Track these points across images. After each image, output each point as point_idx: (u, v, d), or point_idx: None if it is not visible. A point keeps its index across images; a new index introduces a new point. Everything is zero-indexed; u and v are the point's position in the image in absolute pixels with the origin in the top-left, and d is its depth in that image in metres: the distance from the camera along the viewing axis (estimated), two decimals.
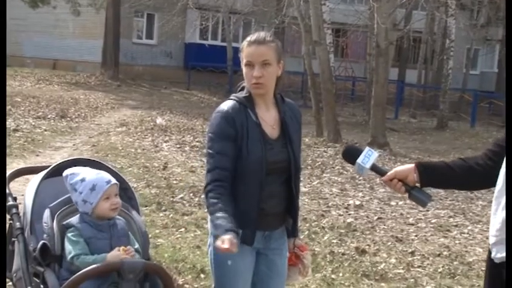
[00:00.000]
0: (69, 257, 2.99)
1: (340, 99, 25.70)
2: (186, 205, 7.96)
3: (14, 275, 3.20)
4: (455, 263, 6.49)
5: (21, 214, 3.28)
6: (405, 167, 3.01)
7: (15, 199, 3.35)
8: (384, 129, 15.55)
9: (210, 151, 3.13)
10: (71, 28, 30.61)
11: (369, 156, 3.02)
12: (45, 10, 29.34)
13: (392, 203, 9.00)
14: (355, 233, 7.33)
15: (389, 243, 7.03)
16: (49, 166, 3.41)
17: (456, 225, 8.08)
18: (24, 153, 10.73)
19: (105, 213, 3.10)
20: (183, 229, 6.84)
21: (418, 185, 2.98)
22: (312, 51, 17.86)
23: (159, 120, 15.92)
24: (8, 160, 9.98)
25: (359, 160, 3.01)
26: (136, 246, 3.14)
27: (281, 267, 3.36)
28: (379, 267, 6.11)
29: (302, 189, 9.53)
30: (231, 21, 28.18)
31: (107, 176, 3.17)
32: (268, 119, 3.25)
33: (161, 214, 7.44)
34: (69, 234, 3.03)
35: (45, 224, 3.10)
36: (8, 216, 3.39)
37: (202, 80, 28.72)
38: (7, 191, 3.39)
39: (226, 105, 3.18)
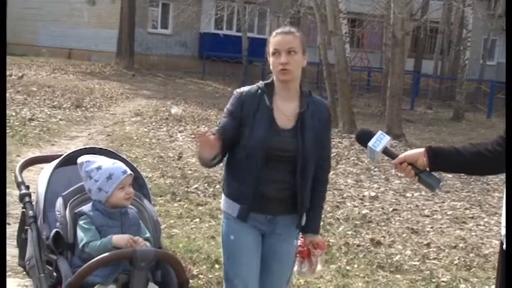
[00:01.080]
0: (80, 244, 3.02)
1: (356, 89, 25.62)
2: (200, 195, 7.97)
3: (28, 262, 3.22)
4: (471, 255, 6.46)
5: (34, 203, 3.29)
6: (415, 151, 3.05)
7: (27, 187, 3.35)
8: (399, 120, 15.48)
9: (219, 122, 3.45)
10: (86, 17, 30.68)
11: (380, 140, 3.05)
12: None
13: (408, 195, 8.97)
14: (370, 224, 7.32)
15: (404, 234, 7.00)
16: (61, 155, 3.43)
17: (472, 217, 8.04)
18: (39, 143, 10.78)
19: (119, 202, 3.13)
20: (197, 219, 6.85)
21: (427, 169, 3.00)
22: (327, 41, 17.78)
23: (174, 110, 15.93)
24: (24, 149, 10.05)
25: (370, 143, 3.05)
26: (148, 235, 3.17)
27: (285, 254, 3.46)
28: (394, 259, 6.09)
29: None
30: (246, 11, 28.13)
31: (122, 165, 3.20)
32: (285, 108, 3.37)
33: (176, 204, 7.46)
34: (81, 222, 3.07)
35: (57, 213, 3.13)
36: (21, 205, 3.41)
37: (217, 70, 28.73)
38: (19, 179, 3.39)
39: (245, 87, 3.44)
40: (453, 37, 28.72)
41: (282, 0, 24.77)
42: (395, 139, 14.16)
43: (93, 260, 2.90)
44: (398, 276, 5.74)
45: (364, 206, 8.22)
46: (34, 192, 3.39)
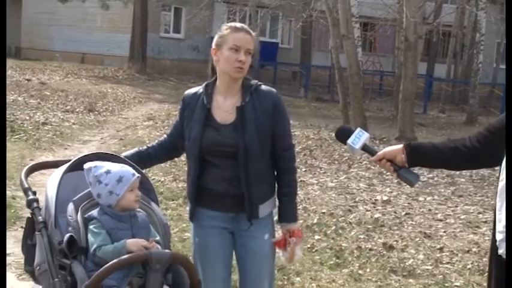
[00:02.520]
0: (92, 248, 3.04)
1: (368, 93, 25.54)
2: None
3: (37, 268, 3.20)
4: (484, 259, 6.41)
5: (42, 208, 3.27)
6: (394, 148, 3.10)
7: (34, 193, 3.33)
8: (412, 124, 15.43)
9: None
10: (99, 22, 30.83)
11: (359, 137, 3.11)
12: (74, 4, 29.59)
13: (421, 199, 8.94)
14: (382, 228, 7.30)
15: (417, 239, 6.98)
16: (67, 160, 3.43)
17: (486, 222, 7.99)
18: (52, 147, 10.84)
19: (129, 204, 3.15)
20: None
21: (406, 165, 3.05)
22: (339, 45, 17.77)
23: None
24: (37, 153, 10.11)
25: (349, 141, 3.12)
26: (158, 238, 3.17)
27: (257, 250, 3.46)
28: (407, 263, 6.07)
29: (328, 184, 9.54)
30: (258, 15, 28.15)
31: (130, 168, 3.23)
32: (225, 104, 3.41)
33: (188, 208, 7.46)
34: (91, 227, 3.08)
35: (70, 218, 3.14)
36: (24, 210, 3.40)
37: None
38: (26, 185, 3.37)
39: (191, 89, 3.59)
40: (466, 41, 28.60)
41: (294, 4, 24.76)
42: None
43: (111, 263, 2.91)
44: (411, 280, 5.72)
45: (377, 210, 8.20)
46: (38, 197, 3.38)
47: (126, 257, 2.94)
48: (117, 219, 3.11)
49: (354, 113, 15.59)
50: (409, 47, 15.21)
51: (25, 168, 3.50)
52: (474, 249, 6.72)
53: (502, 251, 2.81)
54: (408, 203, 8.70)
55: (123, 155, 3.51)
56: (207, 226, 3.44)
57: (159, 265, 2.94)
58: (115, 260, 2.92)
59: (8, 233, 6.16)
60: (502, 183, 2.79)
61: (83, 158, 3.32)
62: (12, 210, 6.83)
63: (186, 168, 3.55)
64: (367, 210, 8.10)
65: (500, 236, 2.82)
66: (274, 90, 3.51)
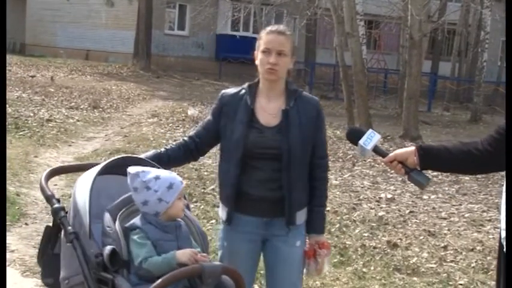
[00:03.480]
0: (137, 261, 2.84)
1: (372, 91, 25.51)
2: (217, 197, 7.95)
3: (66, 282, 2.97)
4: (488, 258, 6.41)
5: (69, 216, 3.01)
6: (406, 150, 3.08)
7: (58, 200, 3.09)
8: (416, 122, 15.41)
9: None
10: (103, 19, 30.85)
11: (371, 138, 3.09)
12: (79, 1, 29.66)
13: (425, 197, 8.93)
14: (386, 226, 7.29)
15: (421, 237, 6.97)
16: (88, 164, 3.27)
17: (490, 220, 7.98)
18: (57, 143, 10.86)
19: (177, 213, 2.97)
20: (213, 221, 6.86)
21: (418, 167, 3.03)
22: (344, 43, 17.75)
23: (190, 111, 15.97)
24: (42, 150, 10.12)
25: (361, 141, 3.09)
26: (198, 248, 3.00)
27: (288, 255, 3.40)
28: (411, 261, 6.07)
29: (333, 181, 9.53)
30: (263, 12, 28.12)
31: (176, 175, 3.04)
32: (269, 107, 3.38)
33: (192, 205, 7.47)
34: (134, 237, 2.87)
35: (108, 228, 2.91)
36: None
37: (234, 72, 28.75)
38: (49, 192, 3.11)
39: (230, 89, 3.50)
40: (471, 39, 28.55)
41: (299, 1, 24.75)
42: (412, 141, 14.10)
43: (164, 278, 2.73)
44: (415, 278, 5.71)
45: (381, 208, 8.19)
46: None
47: (181, 271, 2.77)
48: (162, 229, 2.91)
49: (359, 110, 15.57)
50: (414, 45, 15.19)
51: (45, 173, 3.24)
52: (478, 248, 6.71)
53: (506, 248, 2.82)
54: (412, 201, 8.69)
55: (142, 156, 3.34)
56: (239, 231, 3.37)
57: (211, 279, 2.80)
58: (168, 275, 2.74)
59: (12, 230, 6.18)
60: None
61: (113, 162, 3.10)
62: (17, 207, 6.84)
63: (218, 170, 3.47)
64: (371, 208, 8.10)
65: (504, 234, 2.83)
66: (316, 97, 3.53)
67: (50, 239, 3.12)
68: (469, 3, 24.52)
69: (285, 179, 3.30)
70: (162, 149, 3.46)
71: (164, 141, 11.64)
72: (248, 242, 3.38)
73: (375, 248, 6.40)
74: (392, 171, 10.48)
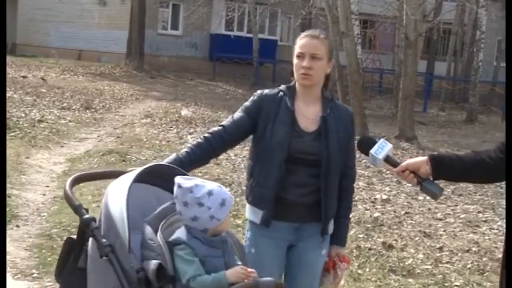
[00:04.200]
0: (184, 278, 2.68)
1: (368, 91, 25.56)
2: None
3: None
4: (484, 259, 6.43)
5: (101, 227, 2.80)
6: (418, 159, 3.06)
7: (87, 210, 2.88)
8: (412, 122, 15.43)
9: (231, 115, 3.45)
10: (96, 18, 30.80)
11: (382, 147, 3.07)
12: (71, 0, 29.58)
13: (420, 198, 8.94)
14: (382, 227, 7.30)
15: (417, 238, 6.98)
16: (115, 172, 3.14)
17: (485, 221, 8.00)
18: (49, 144, 10.83)
19: (225, 229, 2.85)
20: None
21: (430, 177, 3.01)
22: (339, 42, 17.77)
23: (184, 112, 15.96)
24: (33, 151, 10.09)
25: (372, 151, 3.07)
26: (240, 263, 2.86)
27: (312, 260, 3.39)
28: (406, 263, 6.07)
29: None
30: (257, 12, 28.14)
31: (226, 190, 2.89)
32: (307, 112, 3.36)
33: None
34: (180, 253, 2.72)
35: (150, 241, 2.74)
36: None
37: (228, 72, 28.76)
38: (76, 202, 2.90)
39: (267, 90, 3.43)
40: (466, 38, 28.62)
41: (294, 1, 24.79)
42: (407, 142, 14.13)
43: None
44: (410, 280, 5.72)
45: (376, 209, 8.20)
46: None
47: None
48: (208, 245, 2.76)
49: (354, 111, 15.57)
50: (409, 44, 15.21)
51: (68, 181, 3.00)
52: (474, 249, 6.72)
53: None
54: (408, 202, 8.70)
55: (149, 165, 3.08)
56: (267, 236, 3.33)
57: None
58: None
59: None
60: None
61: (145, 170, 2.90)
62: (8, 209, 6.82)
63: (251, 171, 3.40)
64: (367, 209, 8.10)
65: None
66: (348, 107, 3.56)
67: (72, 252, 2.91)
68: (465, 2, 24.57)
69: (322, 186, 3.30)
70: (184, 153, 3.31)
71: (157, 142, 11.63)
72: (276, 248, 3.35)
73: (370, 249, 6.40)
74: (388, 171, 10.49)
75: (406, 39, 15.58)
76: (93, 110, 15.52)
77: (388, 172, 10.41)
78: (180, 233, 2.76)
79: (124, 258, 2.69)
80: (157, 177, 2.97)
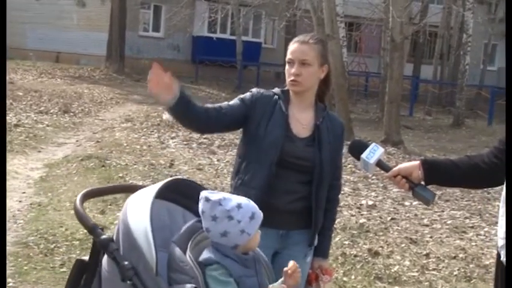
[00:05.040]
0: None
1: (353, 95, 25.63)
2: None
3: None
4: (471, 265, 6.46)
5: (119, 248, 2.63)
6: (410, 164, 3.06)
7: (102, 229, 2.70)
8: (398, 126, 15.50)
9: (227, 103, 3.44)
10: (75, 20, 30.67)
11: (374, 152, 3.06)
12: (49, 1, 29.42)
13: (407, 203, 8.97)
14: (367, 234, 7.31)
15: (403, 244, 7.00)
16: (127, 186, 3.07)
17: (472, 227, 8.05)
18: (25, 149, 10.76)
19: (255, 245, 2.73)
20: None
21: (422, 182, 3.01)
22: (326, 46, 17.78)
23: (166, 116, 15.90)
24: (9, 156, 10.01)
25: (363, 155, 3.06)
26: (266, 281, 2.77)
27: (297, 259, 3.33)
28: (392, 270, 6.09)
29: None
30: (240, 13, 28.16)
31: (254, 203, 2.77)
32: (301, 117, 3.38)
33: None
34: (214, 273, 2.59)
35: (182, 263, 2.59)
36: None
37: (211, 75, 28.75)
38: (91, 220, 2.71)
39: (263, 90, 3.43)
40: (453, 42, 28.81)
41: (278, 2, 24.82)
42: (393, 146, 14.18)
43: None
44: (396, 287, 5.73)
45: (362, 215, 8.22)
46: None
47: None
48: (242, 264, 2.65)
49: (339, 114, 15.59)
50: (395, 47, 15.29)
51: (78, 198, 2.80)
52: (461, 255, 6.76)
53: (502, 257, 2.84)
54: (394, 208, 8.73)
55: (168, 180, 2.86)
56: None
57: None
58: None
59: None
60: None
61: (166, 185, 2.77)
62: None
63: (233, 173, 3.40)
64: (352, 215, 8.12)
65: (501, 242, 2.84)
66: (340, 118, 3.60)
67: (83, 274, 2.76)
68: (451, 5, 24.76)
69: (313, 193, 3.31)
70: (196, 102, 3.28)
71: (138, 146, 11.59)
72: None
73: (355, 256, 6.41)
74: (373, 177, 10.52)
75: (392, 42, 15.66)
76: (71, 114, 15.44)
77: (374, 177, 10.44)
78: (210, 252, 2.63)
79: (150, 281, 2.52)
80: (176, 193, 2.84)
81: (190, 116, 3.24)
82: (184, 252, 2.63)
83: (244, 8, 27.60)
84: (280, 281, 2.69)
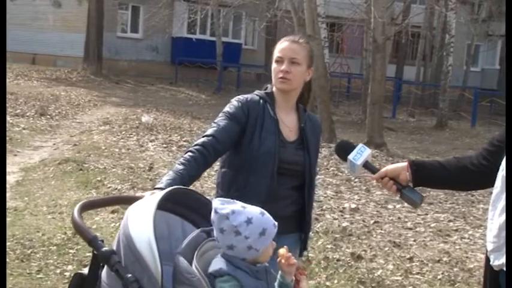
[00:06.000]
0: None
1: (335, 97, 25.72)
2: None
3: None
4: (455, 269, 6.50)
5: (121, 261, 2.58)
6: (397, 165, 3.06)
7: (102, 241, 2.65)
8: (380, 128, 15.56)
9: (214, 122, 3.31)
10: (51, 21, 30.49)
11: (361, 153, 3.06)
12: (24, 1, 29.21)
13: (390, 206, 9.01)
14: (350, 237, 7.33)
15: (386, 248, 7.03)
16: (120, 197, 2.96)
17: (456, 230, 8.09)
18: None
19: (265, 259, 2.67)
20: None
21: (410, 184, 3.00)
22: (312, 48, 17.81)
23: (145, 118, 15.88)
24: None
25: (350, 156, 3.05)
26: None
27: None
28: (375, 274, 6.11)
29: None
30: (220, 14, 28.15)
31: (269, 215, 2.70)
32: (287, 120, 3.41)
33: None
34: (225, 285, 2.55)
35: (189, 275, 2.53)
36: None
37: (190, 76, 28.70)
38: (91, 233, 2.67)
39: (246, 95, 3.39)
40: (436, 42, 29.01)
41: (258, 3, 24.84)
42: (376, 148, 14.23)
43: None
44: None
45: (344, 218, 8.24)
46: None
47: None
48: (254, 276, 2.60)
49: (321, 117, 15.66)
50: (378, 48, 15.36)
51: (76, 210, 2.73)
52: (445, 259, 6.79)
53: (492, 261, 2.81)
54: (377, 211, 8.76)
55: (162, 185, 3.01)
56: None
57: None
58: None
59: None
60: (496, 190, 2.79)
61: (166, 195, 2.71)
62: None
63: (224, 183, 3.39)
64: (335, 219, 8.14)
65: (490, 246, 2.83)
66: (318, 117, 3.64)
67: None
68: (433, 5, 24.92)
69: (306, 197, 3.37)
70: (182, 170, 3.14)
71: (117, 149, 11.54)
72: None
73: (338, 260, 6.43)
74: (356, 179, 10.54)
75: (374, 43, 15.73)
76: (48, 116, 15.35)
77: (356, 180, 10.48)
78: (220, 263, 2.59)
79: None
80: (173, 203, 2.80)
81: (197, 178, 3.25)
82: (190, 263, 2.57)
83: (224, 8, 27.58)
84: (279, 275, 2.67)
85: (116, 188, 8.67)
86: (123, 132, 13.69)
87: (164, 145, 12.59)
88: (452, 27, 22.56)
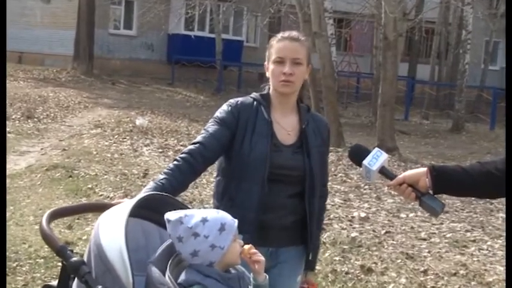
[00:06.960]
0: None
1: (343, 97, 25.74)
2: None
3: None
4: (473, 283, 6.49)
5: (92, 271, 2.61)
6: (416, 171, 3.02)
7: (72, 251, 2.67)
8: (392, 131, 15.56)
9: (203, 129, 3.35)
10: (39, 17, 30.56)
11: (377, 158, 3.03)
12: None
13: (402, 215, 9.00)
14: (360, 249, 7.32)
15: (398, 260, 7.02)
16: (93, 204, 3.11)
17: (474, 241, 8.08)
18: None
19: (235, 259, 2.69)
20: None
21: (430, 191, 2.98)
22: (311, 43, 17.85)
23: (139, 121, 15.89)
24: None
25: (365, 161, 3.02)
26: None
27: (288, 279, 3.38)
28: None
29: None
30: (220, 9, 28.20)
31: (226, 213, 2.75)
32: (284, 123, 3.37)
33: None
34: None
35: (162, 286, 2.56)
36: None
37: (188, 76, 28.74)
38: (59, 242, 2.69)
39: (239, 98, 3.40)
40: (451, 39, 29.02)
41: None
42: (387, 153, 14.19)
43: None
44: None
45: (354, 228, 8.23)
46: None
47: None
48: (225, 283, 2.63)
49: (328, 119, 15.62)
50: (389, 45, 15.35)
51: (44, 218, 2.76)
52: (462, 272, 6.78)
53: None
54: (388, 221, 8.75)
55: (142, 196, 2.93)
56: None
57: None
58: None
59: None
60: None
61: (138, 202, 2.73)
62: None
63: (218, 192, 3.39)
64: (343, 229, 8.13)
65: None
66: (325, 118, 3.58)
67: None
68: None
69: (306, 205, 3.32)
70: (164, 180, 3.16)
71: (109, 155, 11.55)
72: None
73: (347, 273, 6.42)
74: (366, 186, 10.52)
75: (385, 40, 15.73)
76: (35, 119, 15.38)
77: (366, 187, 10.47)
78: (190, 273, 2.63)
79: None
80: (148, 210, 2.82)
81: (182, 187, 3.26)
82: (163, 273, 2.60)
83: (224, 3, 27.64)
84: (251, 277, 2.71)
85: (108, 196, 8.68)
86: (116, 136, 13.70)
87: (160, 150, 12.60)
88: (469, 23, 22.56)
